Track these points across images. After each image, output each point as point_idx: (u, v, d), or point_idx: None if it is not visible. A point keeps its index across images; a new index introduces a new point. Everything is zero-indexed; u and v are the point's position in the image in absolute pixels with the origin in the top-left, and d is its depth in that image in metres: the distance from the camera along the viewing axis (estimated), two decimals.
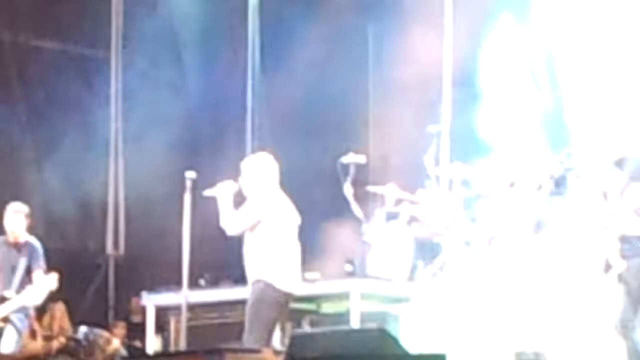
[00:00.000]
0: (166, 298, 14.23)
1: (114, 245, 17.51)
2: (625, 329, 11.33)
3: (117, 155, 17.50)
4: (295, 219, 12.36)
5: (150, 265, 16.32)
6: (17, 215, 13.62)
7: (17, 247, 13.54)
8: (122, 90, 17.53)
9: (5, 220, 13.65)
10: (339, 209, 14.57)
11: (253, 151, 17.41)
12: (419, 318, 13.47)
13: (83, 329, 14.45)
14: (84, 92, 17.50)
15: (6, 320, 13.51)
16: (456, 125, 15.41)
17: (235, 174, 12.42)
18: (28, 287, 13.43)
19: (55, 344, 14.20)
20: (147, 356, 13.58)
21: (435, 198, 13.96)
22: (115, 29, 18.38)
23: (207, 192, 12.66)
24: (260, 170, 12.51)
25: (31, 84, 17.95)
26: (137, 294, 15.43)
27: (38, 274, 13.43)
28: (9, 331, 13.67)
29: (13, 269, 13.65)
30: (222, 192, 12.43)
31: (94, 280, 17.37)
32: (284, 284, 12.27)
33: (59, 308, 15.51)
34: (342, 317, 13.47)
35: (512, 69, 15.49)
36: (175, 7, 17.91)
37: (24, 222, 13.66)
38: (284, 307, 12.59)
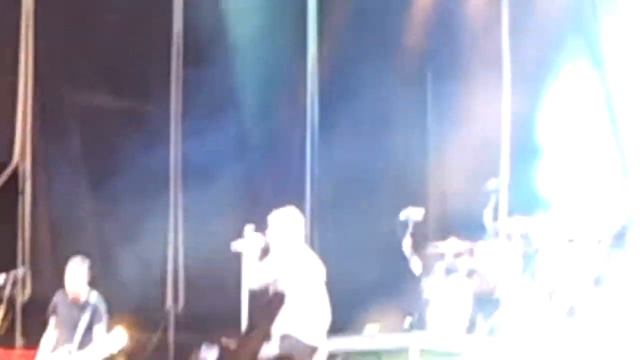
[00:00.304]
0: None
1: (173, 300, 17.69)
2: None
3: (177, 210, 17.23)
4: (320, 272, 12.58)
5: (210, 320, 16.07)
6: (79, 269, 13.77)
7: (79, 302, 13.72)
8: (182, 146, 17.21)
9: (67, 275, 13.82)
10: (398, 264, 14.54)
11: (312, 205, 17.37)
12: None
13: None
14: (143, 150, 17.46)
15: None
16: (515, 180, 14.77)
17: None
18: (90, 344, 13.57)
19: None
20: None
21: (494, 252, 13.68)
22: (174, 86, 18.55)
23: (235, 247, 12.92)
24: (285, 225, 12.70)
25: (92, 141, 17.63)
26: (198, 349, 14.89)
27: (99, 329, 13.69)
28: None
29: (74, 325, 13.80)
30: (248, 246, 12.72)
31: (154, 335, 17.35)
32: (310, 338, 12.44)
33: None
34: None
35: (571, 123, 15.23)
36: (233, 61, 17.79)
37: (85, 277, 13.82)
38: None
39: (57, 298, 13.96)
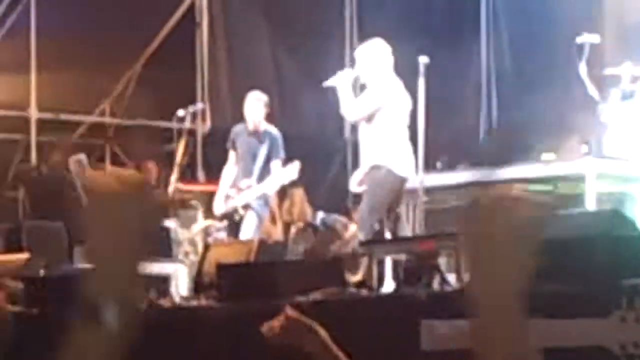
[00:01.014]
0: None
1: (351, 129, 17.28)
2: None
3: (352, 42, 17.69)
4: (409, 104, 12.79)
5: None
6: (257, 103, 14.02)
7: (257, 135, 13.95)
8: None
9: (246, 109, 14.13)
10: (575, 89, 14.48)
11: (487, 38, 17.54)
12: None
13: (321, 214, 15.11)
14: None
15: (247, 207, 13.87)
16: None
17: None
18: (268, 177, 13.94)
19: (294, 229, 15.04)
20: (383, 241, 13.43)
21: None
22: None
23: (328, 83, 13.13)
24: (375, 57, 12.82)
25: None
26: None
27: (276, 163, 13.86)
28: (250, 217, 14.03)
29: (253, 158, 14.06)
30: (341, 80, 12.76)
31: (332, 166, 17.89)
32: (402, 169, 12.82)
33: (299, 194, 15.89)
34: (579, 198, 13.24)
35: None
36: None
37: (263, 111, 14.08)
38: (400, 192, 13.21)
39: (236, 130, 14.24)
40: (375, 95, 12.60)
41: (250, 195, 13.87)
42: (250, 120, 14.07)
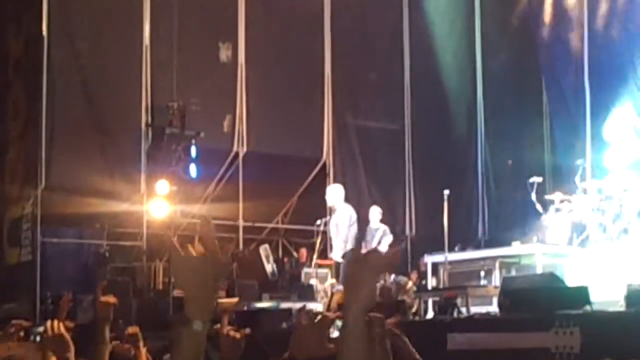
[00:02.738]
0: (437, 257, 14.60)
1: (409, 227, 17.64)
2: None
3: None
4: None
5: (428, 241, 15.78)
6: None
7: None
8: None
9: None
10: (529, 207, 14.88)
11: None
12: (574, 267, 13.14)
13: (393, 276, 14.65)
14: None
15: None
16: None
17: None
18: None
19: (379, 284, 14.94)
20: (427, 290, 13.86)
21: (583, 200, 14.32)
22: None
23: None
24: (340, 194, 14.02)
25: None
26: (422, 257, 15.78)
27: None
28: None
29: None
30: None
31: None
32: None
33: None
34: (532, 266, 13.40)
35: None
36: None
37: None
38: None
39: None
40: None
41: None
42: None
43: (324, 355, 3.52)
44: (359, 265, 2.69)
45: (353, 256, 2.88)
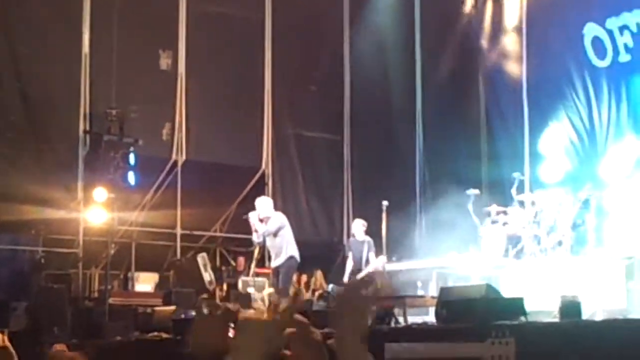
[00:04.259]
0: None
1: (347, 237, 17.20)
2: None
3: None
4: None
5: None
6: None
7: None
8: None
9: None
10: (465, 219, 14.97)
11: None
12: (510, 278, 13.49)
13: (331, 285, 14.68)
14: None
15: None
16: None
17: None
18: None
19: (317, 294, 14.66)
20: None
21: (518, 213, 14.46)
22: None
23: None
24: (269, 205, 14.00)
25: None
26: None
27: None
28: None
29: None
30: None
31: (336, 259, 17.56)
32: (298, 256, 13.58)
33: (320, 273, 15.84)
34: (468, 277, 13.54)
35: None
36: None
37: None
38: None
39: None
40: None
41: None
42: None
43: (223, 349, 3.37)
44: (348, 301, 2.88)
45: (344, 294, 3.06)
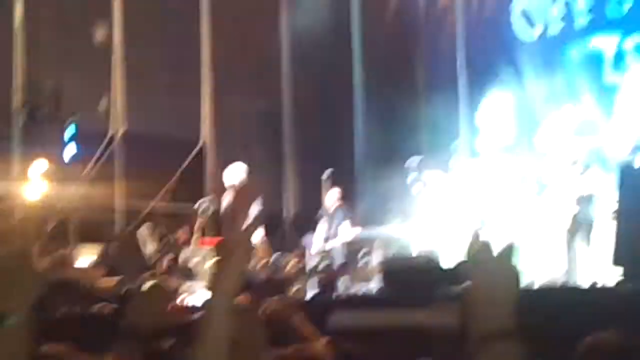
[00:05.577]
0: None
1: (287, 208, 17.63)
2: None
3: None
4: None
5: (309, 222, 15.35)
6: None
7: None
8: None
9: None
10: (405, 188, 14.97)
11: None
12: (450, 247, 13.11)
13: (274, 256, 14.43)
14: None
15: None
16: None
17: None
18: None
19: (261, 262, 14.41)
20: (306, 270, 13.88)
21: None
22: None
23: None
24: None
25: None
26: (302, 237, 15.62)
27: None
28: None
29: None
30: None
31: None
32: None
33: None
34: (409, 246, 13.61)
35: None
36: None
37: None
38: None
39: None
40: None
41: None
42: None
43: (160, 325, 3.44)
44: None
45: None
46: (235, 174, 13.59)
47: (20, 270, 2.58)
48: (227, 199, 13.62)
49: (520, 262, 2.56)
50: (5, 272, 2.57)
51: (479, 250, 2.45)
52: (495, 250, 2.42)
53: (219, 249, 2.40)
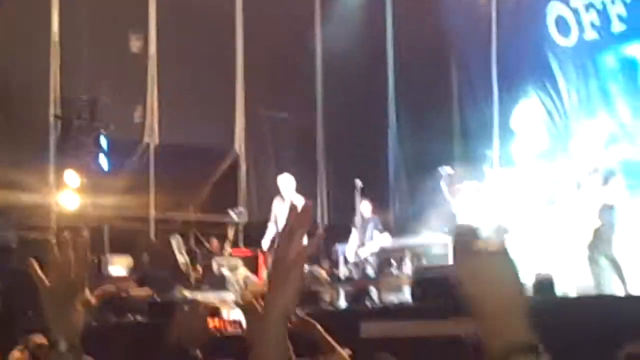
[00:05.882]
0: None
1: (321, 216, 17.35)
2: None
3: None
4: None
5: (340, 231, 15.39)
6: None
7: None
8: None
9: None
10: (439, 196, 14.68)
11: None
12: None
13: (307, 266, 14.50)
14: None
15: None
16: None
17: None
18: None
19: None
20: (340, 281, 14.30)
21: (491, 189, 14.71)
22: None
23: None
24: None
25: None
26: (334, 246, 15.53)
27: None
28: None
29: None
30: None
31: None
32: None
33: None
34: (442, 255, 13.09)
35: None
36: None
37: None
38: None
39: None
40: None
41: None
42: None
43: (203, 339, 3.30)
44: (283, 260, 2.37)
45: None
46: (288, 185, 13.70)
47: (71, 300, 2.62)
48: (279, 209, 13.69)
49: (517, 253, 2.15)
50: (57, 302, 2.61)
51: (463, 243, 2.11)
52: (484, 238, 2.06)
53: (276, 267, 2.28)
